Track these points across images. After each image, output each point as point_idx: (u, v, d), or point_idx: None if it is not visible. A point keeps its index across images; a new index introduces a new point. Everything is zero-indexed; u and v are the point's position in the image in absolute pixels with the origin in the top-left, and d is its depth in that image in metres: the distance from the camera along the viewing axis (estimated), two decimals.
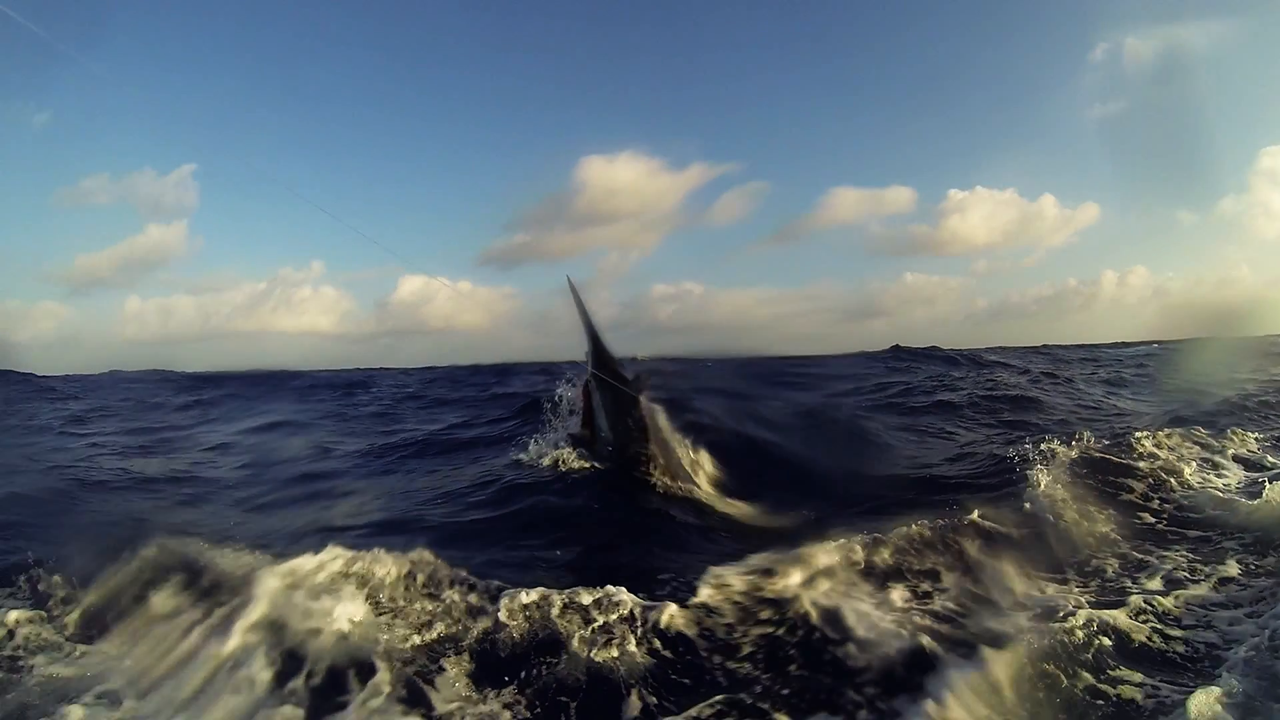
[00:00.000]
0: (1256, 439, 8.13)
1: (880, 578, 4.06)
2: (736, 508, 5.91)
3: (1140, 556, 4.67)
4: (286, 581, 3.49)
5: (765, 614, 3.49)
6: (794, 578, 3.79)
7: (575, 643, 3.21)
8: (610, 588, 3.58)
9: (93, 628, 3.53)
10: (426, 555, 3.94)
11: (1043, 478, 5.83)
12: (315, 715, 2.75)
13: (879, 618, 3.46)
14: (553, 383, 8.00)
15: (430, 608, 3.56)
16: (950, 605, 3.80)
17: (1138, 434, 7.32)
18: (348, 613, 3.33)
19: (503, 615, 3.39)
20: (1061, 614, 3.52)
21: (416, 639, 3.28)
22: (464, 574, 3.85)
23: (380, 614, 3.46)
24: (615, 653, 3.19)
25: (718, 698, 2.89)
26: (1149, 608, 3.68)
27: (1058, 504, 5.44)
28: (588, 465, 6.35)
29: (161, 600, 3.56)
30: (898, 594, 3.88)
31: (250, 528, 5.40)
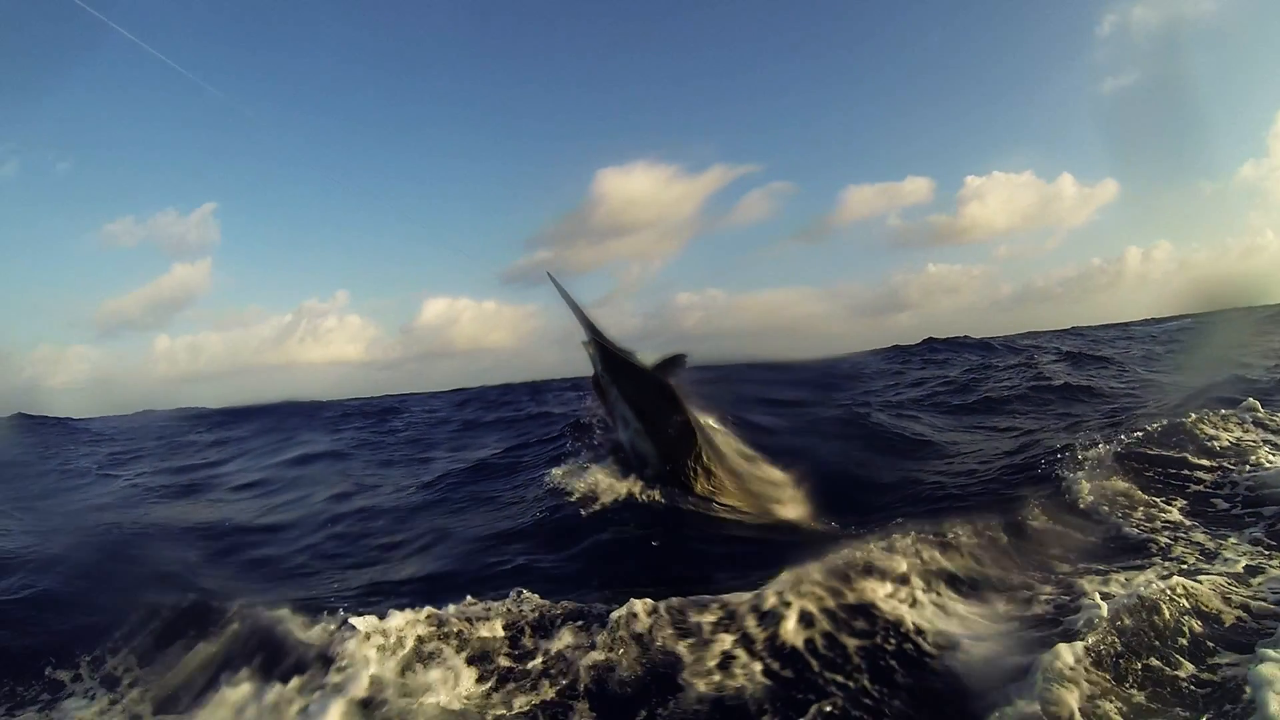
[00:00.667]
0: None
1: (960, 581, 4.07)
2: (793, 508, 5.77)
3: (1216, 542, 4.61)
4: (379, 650, 3.22)
5: (860, 623, 3.49)
6: (879, 586, 3.80)
7: (692, 663, 3.20)
8: (707, 599, 3.60)
9: (170, 714, 3.25)
10: (519, 604, 3.71)
11: (1103, 469, 5.77)
12: None
13: (969, 620, 3.55)
14: (587, 399, 7.75)
15: (536, 663, 3.36)
16: (1030, 601, 3.80)
17: (1192, 416, 7.28)
18: (452, 681, 3.05)
19: (608, 644, 3.34)
20: (1145, 602, 3.46)
21: (531, 699, 3.06)
22: (558, 615, 3.69)
23: (486, 678, 3.19)
24: (732, 667, 3.19)
25: (828, 708, 2.90)
26: (1235, 590, 3.70)
27: (1122, 494, 5.43)
28: (639, 485, 6.04)
29: (242, 680, 3.28)
30: (980, 595, 3.89)
31: (319, 582, 5.12)
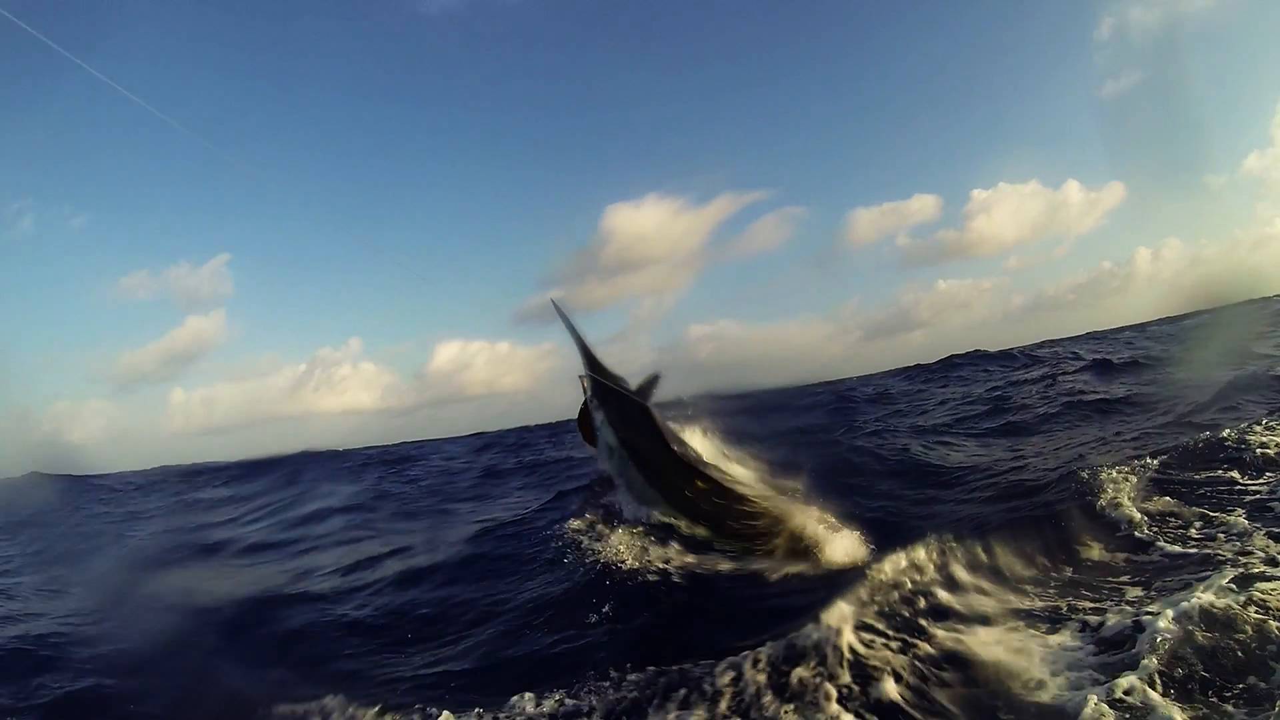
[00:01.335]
0: None
1: (1023, 614, 4.01)
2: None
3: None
4: None
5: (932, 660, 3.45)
6: (937, 620, 3.78)
7: None
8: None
9: None
10: (599, 687, 3.60)
11: (1148, 484, 5.76)
12: None
13: (1036, 651, 3.48)
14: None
15: None
16: (1092, 626, 3.68)
17: (1236, 426, 7.20)
18: None
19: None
20: (1216, 613, 3.47)
21: None
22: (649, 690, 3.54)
23: None
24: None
25: None
26: None
27: (1171, 512, 5.38)
28: (667, 548, 5.82)
29: None
30: (1042, 623, 3.80)
31: (363, 667, 4.85)
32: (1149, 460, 6.57)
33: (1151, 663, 3.16)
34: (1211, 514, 5.33)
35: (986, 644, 3.63)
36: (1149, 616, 3.61)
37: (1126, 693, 2.98)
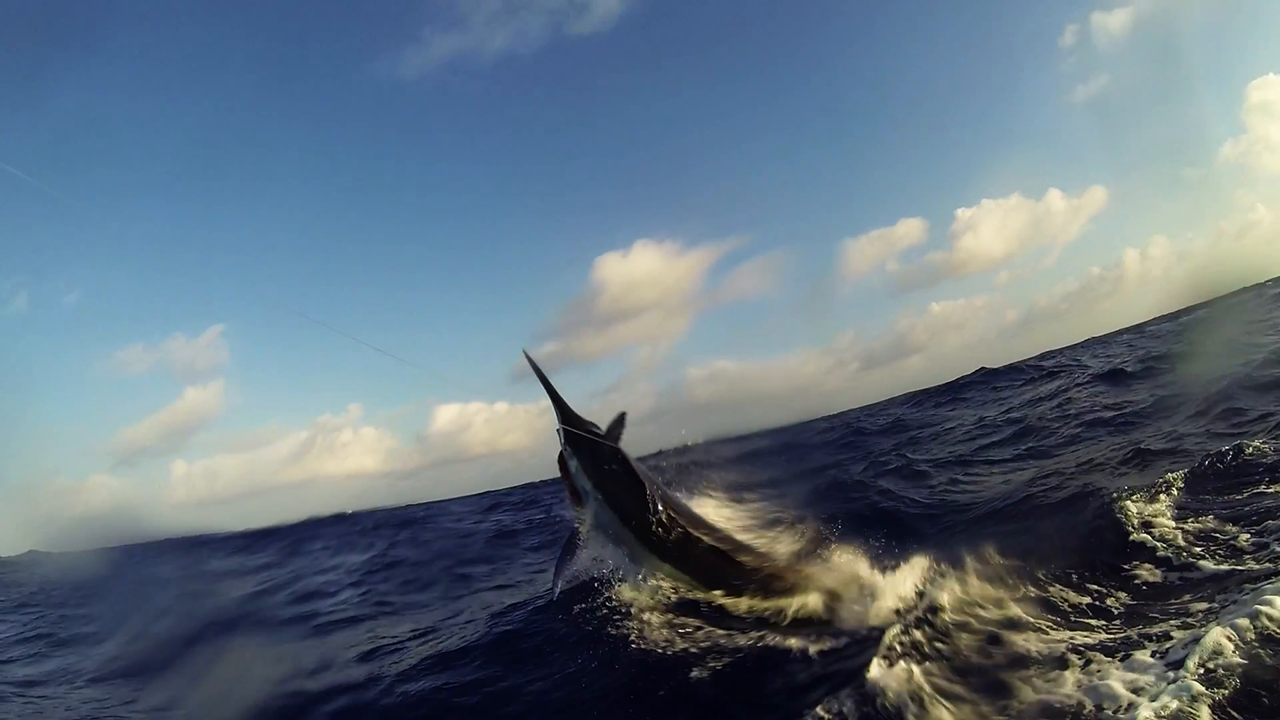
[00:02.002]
0: None
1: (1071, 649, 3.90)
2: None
3: None
4: None
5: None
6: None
7: None
8: None
9: None
10: None
11: (1181, 500, 5.77)
12: None
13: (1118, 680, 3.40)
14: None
15: None
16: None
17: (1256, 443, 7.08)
18: None
19: None
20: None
21: None
22: None
23: None
24: None
25: None
26: None
27: (1214, 529, 5.31)
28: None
29: None
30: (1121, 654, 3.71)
31: None
32: (1179, 473, 6.60)
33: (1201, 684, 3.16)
34: (1254, 525, 5.27)
35: (1059, 682, 3.57)
36: (1203, 637, 3.56)
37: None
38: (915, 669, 3.74)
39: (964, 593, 4.68)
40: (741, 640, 5.10)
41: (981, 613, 4.45)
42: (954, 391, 19.35)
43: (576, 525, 6.04)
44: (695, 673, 4.82)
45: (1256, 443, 7.04)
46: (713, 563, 5.63)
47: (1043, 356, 27.37)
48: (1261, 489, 6.01)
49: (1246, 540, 5.04)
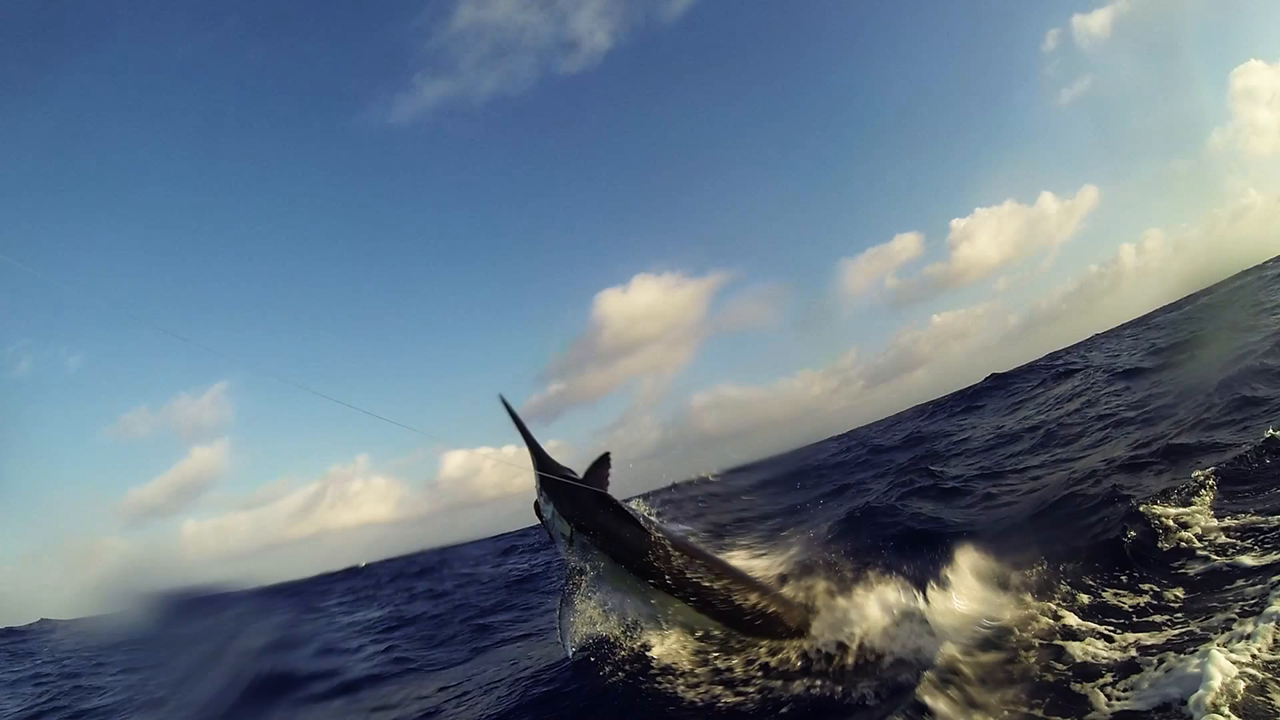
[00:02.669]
0: None
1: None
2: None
3: None
4: None
5: None
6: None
7: None
8: None
9: None
10: None
11: (1218, 498, 5.74)
12: None
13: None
14: None
15: None
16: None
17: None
18: None
19: None
20: None
21: None
22: None
23: None
24: None
25: None
26: None
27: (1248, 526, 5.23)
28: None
29: None
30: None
31: None
32: (1209, 469, 6.57)
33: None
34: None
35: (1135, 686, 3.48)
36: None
37: None
38: (975, 693, 3.61)
39: (1017, 607, 4.56)
40: (796, 687, 4.92)
41: (1037, 625, 4.35)
42: (967, 400, 19.19)
43: (567, 575, 5.89)
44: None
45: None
46: (728, 597, 5.41)
47: (1051, 357, 27.31)
48: None
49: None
